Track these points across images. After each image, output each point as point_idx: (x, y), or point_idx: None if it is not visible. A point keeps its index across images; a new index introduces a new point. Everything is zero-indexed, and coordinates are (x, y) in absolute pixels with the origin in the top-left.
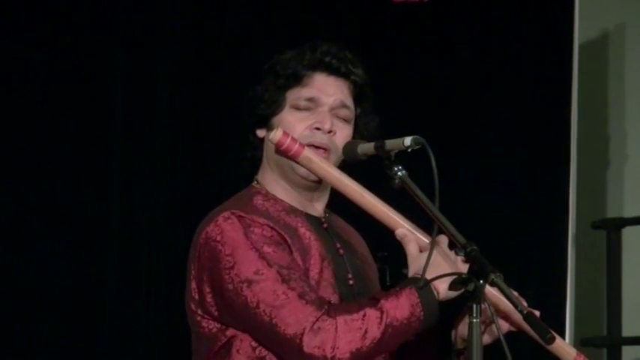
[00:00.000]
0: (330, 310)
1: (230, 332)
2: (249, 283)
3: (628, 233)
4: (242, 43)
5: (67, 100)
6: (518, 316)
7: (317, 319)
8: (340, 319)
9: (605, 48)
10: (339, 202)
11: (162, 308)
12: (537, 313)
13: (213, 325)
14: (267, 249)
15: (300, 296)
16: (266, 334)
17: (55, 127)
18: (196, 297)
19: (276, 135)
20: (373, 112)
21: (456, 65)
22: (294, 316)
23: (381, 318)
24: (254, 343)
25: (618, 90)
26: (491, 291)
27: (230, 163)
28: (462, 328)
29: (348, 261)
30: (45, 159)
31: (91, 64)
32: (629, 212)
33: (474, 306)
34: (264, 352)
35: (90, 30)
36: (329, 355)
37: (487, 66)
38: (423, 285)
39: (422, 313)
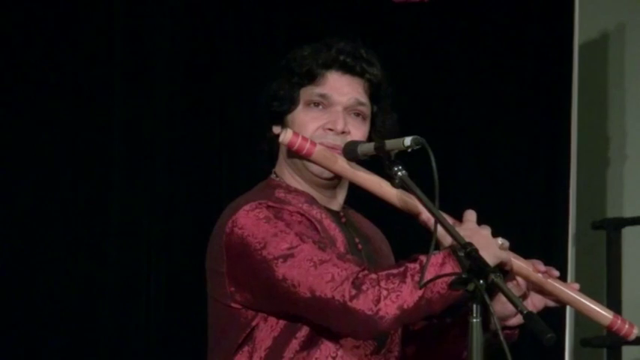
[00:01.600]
0: (369, 267)
1: (257, 319)
2: (285, 258)
3: (628, 233)
4: (242, 43)
5: (66, 100)
6: (540, 279)
7: (358, 274)
8: (382, 274)
9: (605, 48)
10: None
11: (163, 309)
12: (556, 272)
13: (244, 313)
14: (298, 228)
15: (339, 257)
16: (307, 304)
17: (55, 127)
18: (227, 288)
19: (285, 137)
20: (391, 110)
21: (456, 65)
22: (334, 274)
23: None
24: (281, 322)
25: (618, 90)
26: (515, 261)
27: (230, 163)
28: (498, 308)
29: (366, 255)
30: (45, 159)
31: (90, 63)
32: (629, 212)
33: (474, 306)
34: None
35: (89, 28)
36: (374, 309)
37: (487, 66)
38: (422, 285)
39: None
